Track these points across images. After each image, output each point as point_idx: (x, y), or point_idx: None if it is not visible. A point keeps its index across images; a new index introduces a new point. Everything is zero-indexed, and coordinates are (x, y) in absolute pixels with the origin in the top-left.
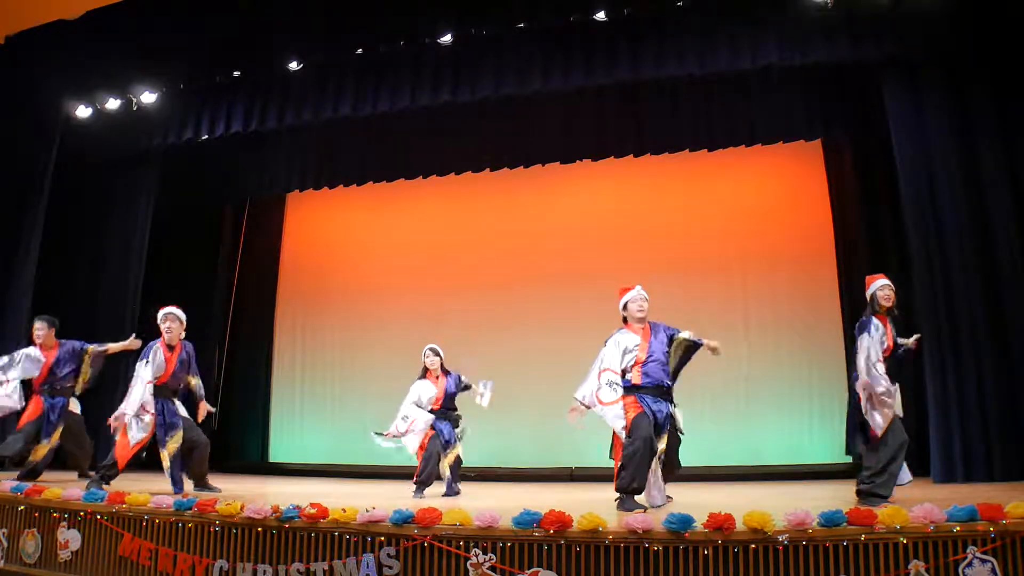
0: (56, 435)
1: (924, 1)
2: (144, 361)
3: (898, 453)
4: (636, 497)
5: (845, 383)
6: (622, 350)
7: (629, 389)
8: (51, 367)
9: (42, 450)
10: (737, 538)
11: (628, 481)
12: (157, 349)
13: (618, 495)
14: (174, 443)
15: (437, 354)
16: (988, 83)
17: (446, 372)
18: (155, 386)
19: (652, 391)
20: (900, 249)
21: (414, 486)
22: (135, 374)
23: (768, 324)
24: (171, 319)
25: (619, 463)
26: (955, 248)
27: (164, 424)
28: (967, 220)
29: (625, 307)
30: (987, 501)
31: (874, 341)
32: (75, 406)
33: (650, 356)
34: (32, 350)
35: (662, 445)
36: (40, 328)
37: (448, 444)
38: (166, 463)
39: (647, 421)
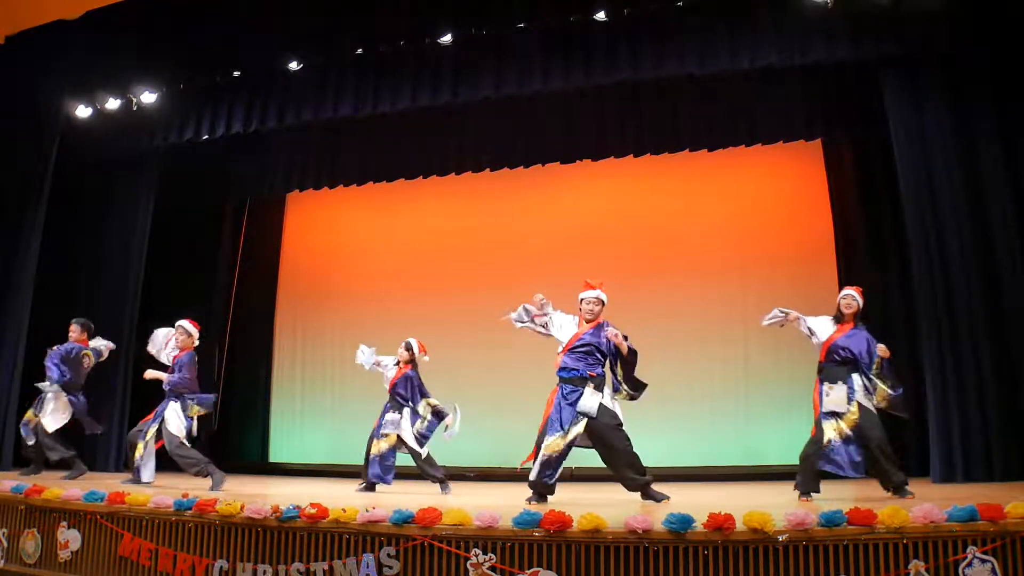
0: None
1: (924, 1)
2: None
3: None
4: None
5: None
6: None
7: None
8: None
9: None
10: (737, 538)
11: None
12: None
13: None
14: None
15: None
16: (988, 83)
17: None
18: None
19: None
20: (900, 249)
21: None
22: None
23: None
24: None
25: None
26: (955, 248)
27: None
28: (967, 220)
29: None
30: (987, 501)
31: None
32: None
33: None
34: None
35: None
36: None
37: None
38: None
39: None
